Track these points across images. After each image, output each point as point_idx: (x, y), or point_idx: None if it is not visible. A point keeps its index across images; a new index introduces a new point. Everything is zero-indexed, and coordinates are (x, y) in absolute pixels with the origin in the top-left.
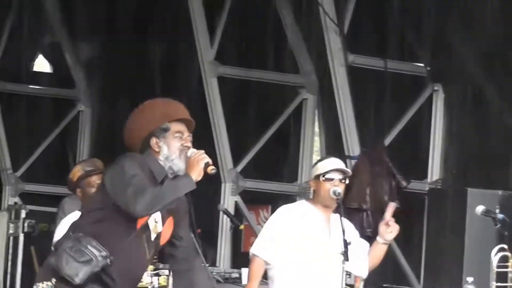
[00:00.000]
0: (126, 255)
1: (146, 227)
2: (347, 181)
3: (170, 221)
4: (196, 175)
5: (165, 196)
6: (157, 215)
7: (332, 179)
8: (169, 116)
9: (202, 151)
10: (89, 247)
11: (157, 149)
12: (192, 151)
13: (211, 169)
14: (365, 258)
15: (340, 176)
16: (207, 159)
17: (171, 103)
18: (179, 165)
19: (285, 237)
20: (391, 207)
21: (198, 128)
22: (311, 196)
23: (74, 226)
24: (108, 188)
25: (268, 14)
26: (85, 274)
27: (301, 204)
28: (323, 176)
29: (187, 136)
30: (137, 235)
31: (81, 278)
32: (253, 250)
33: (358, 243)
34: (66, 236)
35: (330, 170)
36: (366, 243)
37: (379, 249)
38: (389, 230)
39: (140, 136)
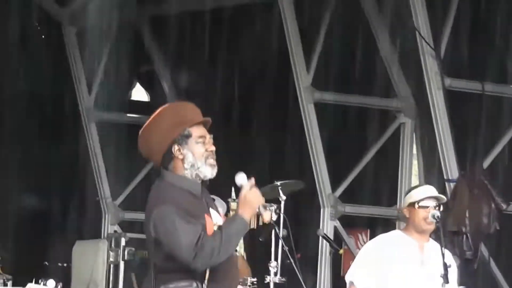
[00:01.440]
0: (222, 270)
1: None
2: (442, 208)
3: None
4: (251, 216)
5: (224, 249)
6: (218, 218)
7: (427, 207)
8: (188, 121)
9: (256, 190)
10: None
11: (180, 157)
12: (246, 186)
13: (267, 220)
14: None
15: (435, 203)
16: (262, 200)
17: (186, 106)
18: (205, 172)
19: (379, 265)
20: None
21: (296, 153)
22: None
23: (151, 285)
24: (163, 243)
25: (364, 38)
26: None
27: (395, 233)
28: (418, 203)
29: (209, 138)
30: None
31: None
32: (350, 277)
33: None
34: None
35: (425, 198)
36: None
37: None
38: None
39: (161, 148)
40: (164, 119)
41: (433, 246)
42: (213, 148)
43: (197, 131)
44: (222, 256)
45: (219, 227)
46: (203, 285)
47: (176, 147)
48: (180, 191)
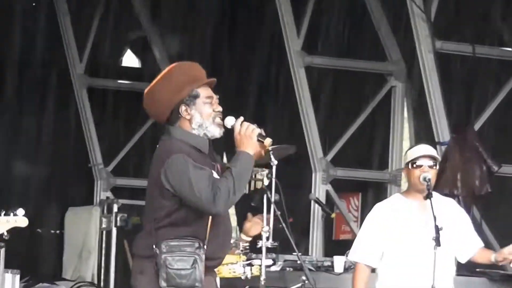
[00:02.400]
0: (216, 226)
1: None
2: (438, 167)
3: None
4: (253, 149)
5: (237, 188)
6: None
7: (421, 166)
8: (196, 81)
9: (248, 123)
10: (184, 248)
11: (188, 117)
12: (236, 124)
13: (269, 144)
14: (470, 238)
15: (430, 162)
16: (258, 130)
17: (194, 66)
18: (213, 131)
19: (384, 236)
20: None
21: (287, 118)
22: (402, 184)
23: (150, 240)
24: (176, 193)
25: (354, 2)
26: (200, 271)
27: (395, 198)
28: (413, 163)
29: (216, 99)
30: None
31: (200, 279)
32: (354, 258)
33: (461, 223)
34: (149, 255)
35: (419, 157)
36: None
37: (487, 260)
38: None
39: (168, 108)
40: (172, 79)
41: (436, 200)
42: (220, 108)
43: (205, 92)
44: (237, 194)
45: (227, 168)
46: (204, 244)
47: (183, 107)
48: (187, 146)
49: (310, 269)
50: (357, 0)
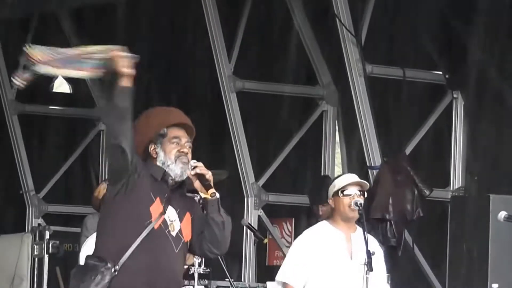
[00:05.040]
0: (150, 248)
1: (165, 222)
2: (366, 194)
3: (187, 217)
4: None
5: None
6: (172, 214)
7: (350, 194)
8: (166, 121)
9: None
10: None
11: (154, 155)
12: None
13: (211, 194)
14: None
15: (358, 190)
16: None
17: (168, 109)
18: (175, 170)
19: (310, 262)
20: None
21: (219, 143)
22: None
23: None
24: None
25: (285, 26)
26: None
27: (322, 226)
28: (341, 191)
29: (185, 142)
30: (158, 229)
31: None
32: (282, 278)
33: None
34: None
35: (347, 185)
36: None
37: None
38: None
39: (141, 145)
40: (146, 120)
41: (360, 235)
42: (186, 151)
43: (173, 132)
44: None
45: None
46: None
47: (152, 146)
48: (148, 175)
49: None
50: (288, 24)
